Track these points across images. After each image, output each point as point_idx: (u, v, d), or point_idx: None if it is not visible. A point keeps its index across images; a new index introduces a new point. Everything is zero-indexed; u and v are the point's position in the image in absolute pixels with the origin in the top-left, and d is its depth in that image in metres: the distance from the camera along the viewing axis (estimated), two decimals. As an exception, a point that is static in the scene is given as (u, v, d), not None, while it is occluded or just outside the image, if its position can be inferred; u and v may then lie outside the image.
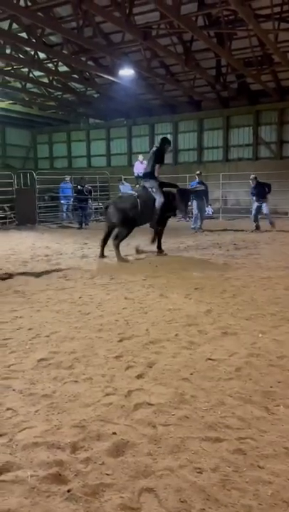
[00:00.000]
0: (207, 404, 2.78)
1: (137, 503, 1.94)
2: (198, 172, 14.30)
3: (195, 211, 13.84)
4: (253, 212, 13.40)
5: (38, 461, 2.22)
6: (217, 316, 4.67)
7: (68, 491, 2.01)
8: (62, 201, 18.59)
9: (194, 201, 13.59)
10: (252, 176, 13.18)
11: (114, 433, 2.46)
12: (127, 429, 2.51)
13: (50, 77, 17.01)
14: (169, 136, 21.79)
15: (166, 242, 10.38)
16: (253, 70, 15.44)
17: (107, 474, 2.13)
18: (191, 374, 3.22)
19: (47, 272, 7.20)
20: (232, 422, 2.57)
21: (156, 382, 3.11)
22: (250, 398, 2.86)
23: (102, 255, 8.50)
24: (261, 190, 12.91)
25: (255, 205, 13.18)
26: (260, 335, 4.05)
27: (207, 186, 13.96)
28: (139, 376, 3.20)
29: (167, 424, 2.55)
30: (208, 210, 18.41)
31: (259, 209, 13.11)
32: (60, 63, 15.99)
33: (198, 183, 13.56)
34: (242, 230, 13.18)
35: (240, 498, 1.96)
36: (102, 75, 15.63)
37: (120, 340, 3.95)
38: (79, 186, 16.04)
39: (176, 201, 8.83)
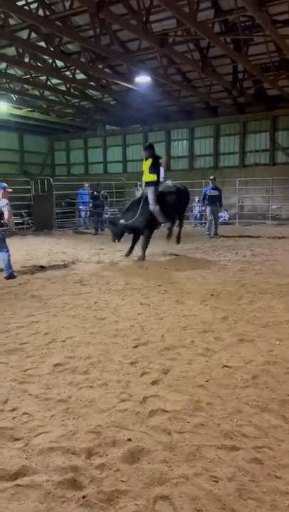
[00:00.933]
0: (223, 412, 2.76)
1: (152, 511, 1.93)
2: (212, 177, 13.95)
3: (209, 217, 13.72)
4: None
5: (53, 466, 2.23)
6: (233, 322, 4.63)
7: (83, 497, 2.01)
8: (80, 207, 18.77)
9: (208, 207, 13.51)
10: None
11: (130, 439, 2.45)
12: (142, 435, 2.50)
13: (68, 85, 17.23)
14: (185, 143, 21.99)
15: (183, 248, 10.37)
16: (270, 75, 15.36)
17: (122, 481, 2.12)
18: (207, 381, 3.20)
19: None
20: (248, 431, 2.54)
21: (171, 388, 3.09)
22: (267, 406, 2.82)
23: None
24: None
25: None
26: (278, 342, 4.00)
27: (221, 191, 13.83)
28: (155, 382, 3.19)
29: (183, 432, 2.54)
30: (224, 215, 18.35)
31: None
32: (77, 71, 16.18)
33: (213, 188, 13.48)
34: (258, 237, 13.06)
35: (256, 508, 1.93)
36: (118, 82, 15.76)
37: (135, 346, 3.95)
38: (95, 192, 16.18)
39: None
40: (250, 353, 3.74)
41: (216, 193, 13.41)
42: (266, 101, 18.80)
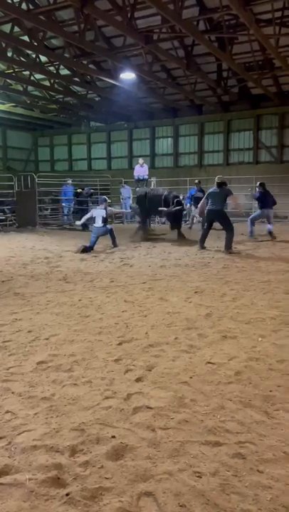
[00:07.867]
0: (206, 408, 2.78)
1: (136, 507, 1.93)
2: (196, 181, 15.07)
3: (192, 213, 14.87)
4: None
5: (36, 464, 2.22)
6: (217, 319, 4.67)
7: (67, 494, 2.00)
8: (63, 203, 18.63)
9: (193, 207, 14.75)
10: None
11: (114, 436, 2.45)
12: (126, 432, 2.50)
13: (52, 80, 17.06)
14: (169, 140, 22.01)
15: (167, 245, 10.41)
16: (254, 74, 15.50)
17: (106, 478, 2.12)
18: (191, 378, 3.22)
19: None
20: (232, 426, 2.56)
21: (155, 385, 3.10)
22: (250, 402, 2.85)
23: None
24: None
25: None
26: (260, 339, 4.04)
27: (205, 193, 14.60)
28: (139, 379, 3.20)
29: (166, 428, 2.55)
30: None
31: None
32: (61, 66, 16.04)
33: (198, 191, 14.60)
34: (241, 234, 13.14)
35: (239, 502, 1.96)
36: (103, 78, 15.67)
37: (120, 344, 3.95)
38: (78, 190, 16.12)
39: None
40: (233, 349, 3.78)
41: (200, 195, 14.47)
42: (250, 100, 18.97)
